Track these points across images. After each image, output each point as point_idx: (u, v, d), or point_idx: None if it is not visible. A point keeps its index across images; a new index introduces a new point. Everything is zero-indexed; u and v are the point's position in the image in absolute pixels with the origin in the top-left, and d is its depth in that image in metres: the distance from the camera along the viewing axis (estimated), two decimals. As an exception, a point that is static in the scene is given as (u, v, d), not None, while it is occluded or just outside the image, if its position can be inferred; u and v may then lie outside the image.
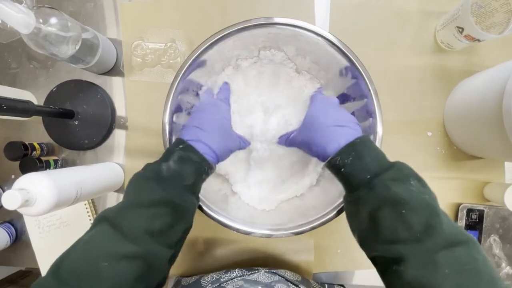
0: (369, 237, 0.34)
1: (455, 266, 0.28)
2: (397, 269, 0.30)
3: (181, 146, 0.37)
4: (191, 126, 0.41)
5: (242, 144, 0.48)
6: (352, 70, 0.47)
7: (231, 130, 0.45)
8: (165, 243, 0.34)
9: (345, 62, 0.47)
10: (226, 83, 0.52)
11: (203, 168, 0.38)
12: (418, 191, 0.32)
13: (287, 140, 0.48)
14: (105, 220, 0.32)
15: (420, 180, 0.34)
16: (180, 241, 0.36)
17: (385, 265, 0.32)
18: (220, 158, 0.41)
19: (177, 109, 0.49)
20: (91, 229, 0.33)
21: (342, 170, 0.35)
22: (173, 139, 0.48)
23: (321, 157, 0.39)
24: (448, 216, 0.32)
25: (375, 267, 0.34)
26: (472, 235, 0.31)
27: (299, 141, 0.44)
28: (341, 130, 0.38)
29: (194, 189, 0.37)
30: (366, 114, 0.48)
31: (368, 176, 0.33)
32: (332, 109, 0.42)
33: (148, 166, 0.37)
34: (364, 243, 0.35)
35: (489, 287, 0.27)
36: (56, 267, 0.29)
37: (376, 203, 0.32)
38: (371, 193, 0.33)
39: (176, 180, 0.35)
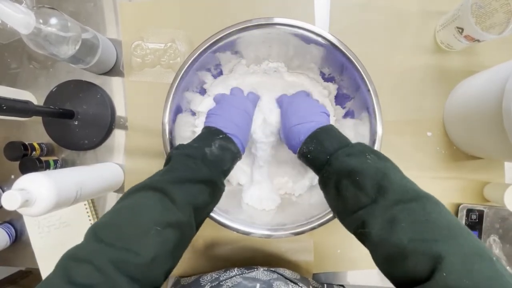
0: (341, 210, 0.37)
1: (409, 219, 0.29)
2: (364, 233, 0.32)
3: (221, 136, 0.42)
4: (226, 117, 0.45)
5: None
6: (351, 70, 0.47)
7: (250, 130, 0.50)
8: (198, 219, 0.37)
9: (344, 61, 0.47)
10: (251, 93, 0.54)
11: (237, 157, 0.43)
12: (373, 162, 0.35)
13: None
14: (154, 189, 0.33)
15: (377, 154, 0.37)
16: (204, 220, 0.40)
17: (358, 233, 0.34)
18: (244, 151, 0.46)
19: (178, 110, 0.49)
20: (131, 195, 0.34)
21: (308, 156, 0.41)
22: (173, 140, 0.48)
23: (292, 152, 0.46)
24: (403, 178, 0.34)
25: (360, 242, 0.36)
26: (428, 193, 0.32)
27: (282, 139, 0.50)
28: (300, 128, 0.44)
29: (227, 173, 0.42)
30: (362, 108, 0.49)
31: (328, 157, 0.38)
32: (293, 110, 0.47)
33: (187, 148, 0.40)
34: (341, 219, 0.38)
35: (446, 236, 0.27)
36: (94, 231, 0.29)
37: (336, 177, 0.36)
38: (330, 169, 0.37)
39: (218, 164, 0.40)
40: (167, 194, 0.33)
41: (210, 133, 0.43)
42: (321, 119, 0.44)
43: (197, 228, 0.38)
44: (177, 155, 0.39)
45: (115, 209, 0.33)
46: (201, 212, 0.38)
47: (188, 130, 0.55)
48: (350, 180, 0.34)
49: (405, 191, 0.32)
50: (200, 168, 0.37)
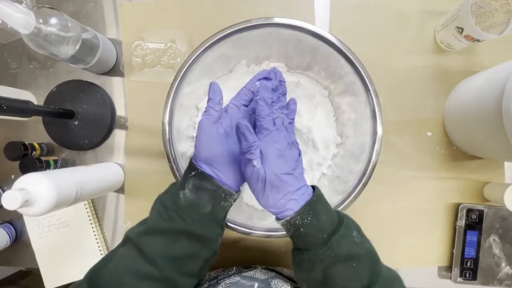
0: None
1: None
2: None
3: (193, 173, 0.36)
4: (204, 152, 0.37)
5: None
6: (351, 70, 0.47)
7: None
8: (187, 272, 0.35)
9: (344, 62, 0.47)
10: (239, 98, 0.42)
11: (219, 195, 0.36)
12: (361, 242, 0.35)
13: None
14: (129, 240, 0.35)
15: (359, 229, 0.37)
16: (203, 269, 0.37)
17: None
18: (239, 185, 0.39)
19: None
20: (120, 246, 0.36)
21: (302, 229, 0.35)
22: (173, 140, 0.48)
23: (276, 214, 0.37)
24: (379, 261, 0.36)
25: None
26: (398, 274, 0.35)
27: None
28: (293, 195, 0.35)
29: (214, 216, 0.37)
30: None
31: (325, 236, 0.34)
32: (282, 153, 0.37)
33: (170, 189, 0.38)
34: None
35: None
36: (92, 274, 0.34)
37: (331, 259, 0.33)
38: (328, 251, 0.33)
39: (194, 209, 0.35)
40: (137, 245, 0.34)
41: (188, 169, 0.38)
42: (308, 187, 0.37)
43: (202, 276, 0.37)
44: (155, 202, 0.37)
45: (111, 254, 0.36)
46: (188, 263, 0.35)
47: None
48: (345, 265, 0.33)
49: (389, 276, 0.34)
50: (172, 218, 0.35)
